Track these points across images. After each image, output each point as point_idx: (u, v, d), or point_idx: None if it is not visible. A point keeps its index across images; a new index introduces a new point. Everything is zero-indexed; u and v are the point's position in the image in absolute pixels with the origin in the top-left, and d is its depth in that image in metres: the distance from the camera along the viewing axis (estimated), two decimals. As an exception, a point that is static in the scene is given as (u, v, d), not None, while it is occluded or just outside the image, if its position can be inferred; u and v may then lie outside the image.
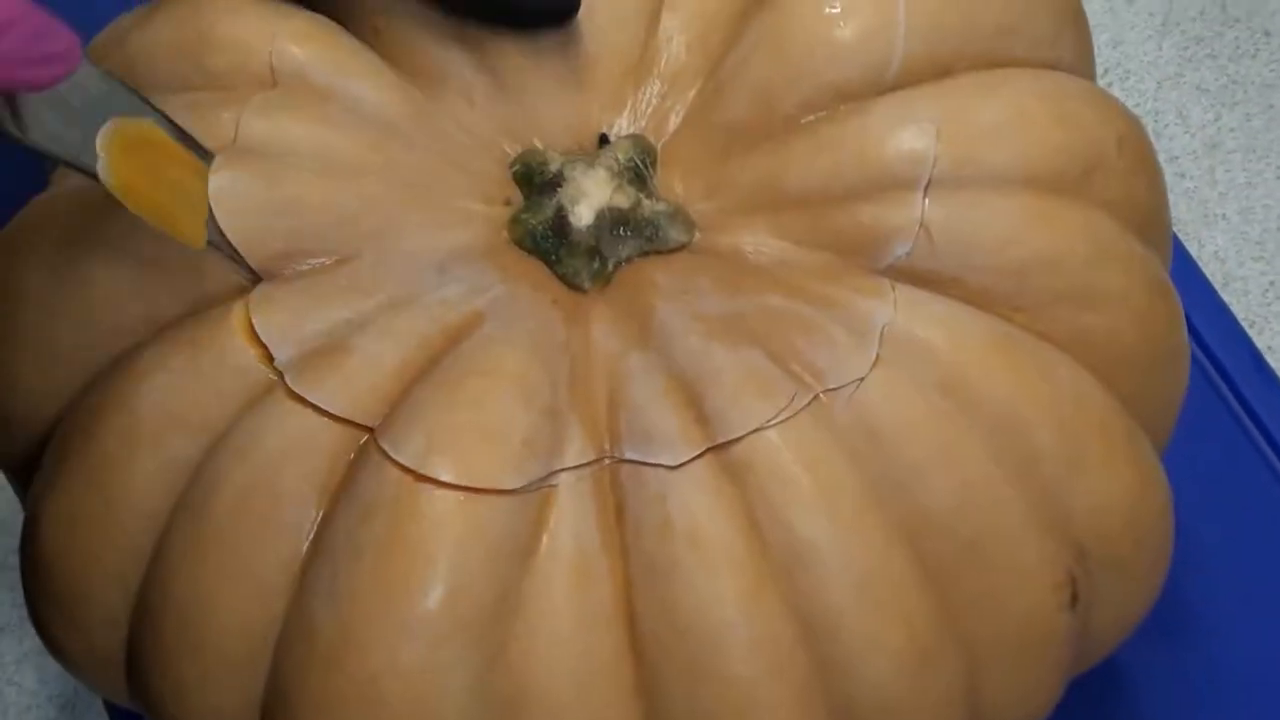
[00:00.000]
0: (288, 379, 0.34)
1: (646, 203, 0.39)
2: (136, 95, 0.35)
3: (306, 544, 0.33)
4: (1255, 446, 0.52)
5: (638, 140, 0.40)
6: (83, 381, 0.37)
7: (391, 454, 0.33)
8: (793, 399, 0.34)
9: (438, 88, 0.39)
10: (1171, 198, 0.61)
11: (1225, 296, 0.56)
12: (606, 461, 0.34)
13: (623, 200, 0.39)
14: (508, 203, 0.39)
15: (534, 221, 0.39)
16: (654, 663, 0.33)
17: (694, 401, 0.34)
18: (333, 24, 0.39)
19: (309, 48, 0.38)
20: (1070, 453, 0.36)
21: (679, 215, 0.39)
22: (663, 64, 0.40)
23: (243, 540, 0.33)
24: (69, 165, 0.33)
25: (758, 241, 0.38)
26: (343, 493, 0.33)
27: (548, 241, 0.38)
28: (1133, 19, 0.65)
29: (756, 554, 0.33)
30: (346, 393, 0.34)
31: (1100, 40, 0.65)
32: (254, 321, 0.34)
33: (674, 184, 0.39)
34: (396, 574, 0.32)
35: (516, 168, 0.40)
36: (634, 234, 0.39)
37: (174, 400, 0.34)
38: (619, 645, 0.33)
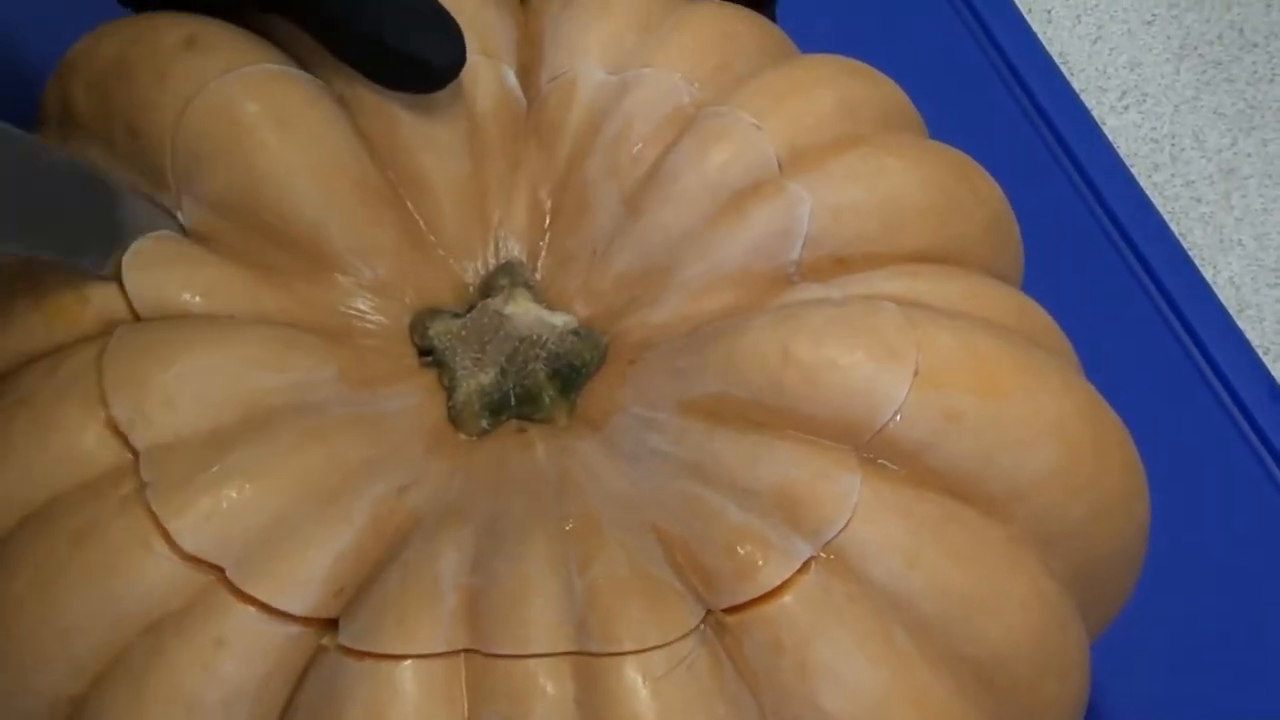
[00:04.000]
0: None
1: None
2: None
3: None
4: (1270, 475, 0.51)
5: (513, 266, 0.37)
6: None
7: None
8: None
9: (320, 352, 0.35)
10: (1188, 223, 0.61)
11: (1240, 323, 0.55)
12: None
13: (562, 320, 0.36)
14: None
15: (486, 392, 0.35)
16: None
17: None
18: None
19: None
20: None
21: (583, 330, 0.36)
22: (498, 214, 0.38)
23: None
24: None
25: (664, 321, 0.35)
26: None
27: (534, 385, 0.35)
28: (1150, 41, 0.65)
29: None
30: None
31: (1118, 63, 0.64)
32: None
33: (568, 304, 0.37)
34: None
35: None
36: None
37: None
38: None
